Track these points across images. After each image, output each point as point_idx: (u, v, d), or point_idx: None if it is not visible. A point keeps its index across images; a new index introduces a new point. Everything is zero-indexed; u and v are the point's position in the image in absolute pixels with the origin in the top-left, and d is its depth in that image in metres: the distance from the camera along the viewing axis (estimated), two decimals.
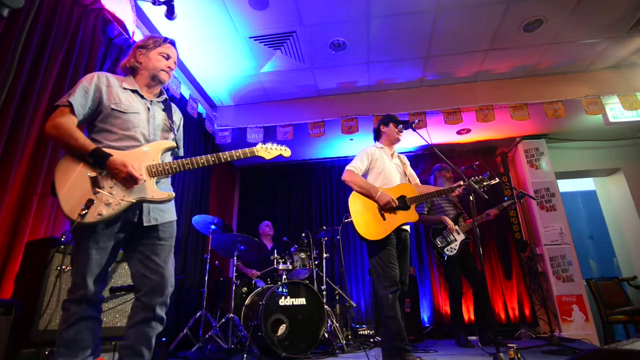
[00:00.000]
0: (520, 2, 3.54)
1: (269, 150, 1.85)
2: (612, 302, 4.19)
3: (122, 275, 2.40)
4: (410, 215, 2.54)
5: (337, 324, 3.57)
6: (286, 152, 1.92)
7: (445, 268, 3.92)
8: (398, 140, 2.85)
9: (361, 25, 3.80)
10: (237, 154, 1.72)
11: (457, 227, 3.83)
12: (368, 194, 2.54)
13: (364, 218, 2.49)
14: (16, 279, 2.07)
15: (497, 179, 2.65)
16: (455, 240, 3.79)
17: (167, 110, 1.80)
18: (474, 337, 3.79)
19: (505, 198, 4.13)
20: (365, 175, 2.73)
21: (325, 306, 3.35)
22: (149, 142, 1.64)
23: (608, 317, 4.11)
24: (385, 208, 2.50)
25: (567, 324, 4.44)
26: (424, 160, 5.73)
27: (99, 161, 1.46)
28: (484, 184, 2.59)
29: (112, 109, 1.58)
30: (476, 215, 2.40)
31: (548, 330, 3.98)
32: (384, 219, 2.48)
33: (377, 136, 2.93)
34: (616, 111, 4.53)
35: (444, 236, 3.83)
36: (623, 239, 5.48)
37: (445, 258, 3.77)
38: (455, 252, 3.75)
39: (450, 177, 4.11)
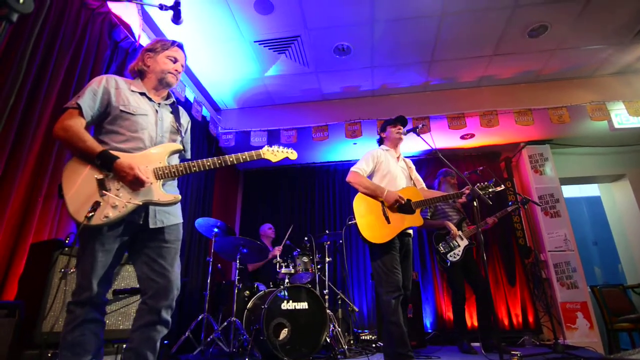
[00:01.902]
0: (524, 8, 3.54)
1: (275, 153, 1.83)
2: (616, 309, 4.15)
3: (126, 277, 2.40)
4: (415, 220, 2.53)
5: (340, 329, 3.56)
6: (292, 154, 1.88)
7: (448, 274, 3.89)
8: (400, 139, 2.84)
9: (365, 30, 3.81)
10: (244, 157, 1.71)
11: (460, 232, 3.81)
12: (374, 195, 2.53)
13: (368, 220, 2.48)
14: (20, 281, 2.07)
15: (502, 185, 2.65)
16: (459, 245, 3.76)
17: (175, 112, 1.81)
18: (476, 344, 3.76)
19: (510, 203, 4.12)
20: (370, 177, 2.71)
21: (328, 311, 3.34)
22: (156, 144, 1.64)
23: (613, 324, 4.07)
24: (392, 209, 2.49)
25: (571, 332, 4.40)
26: (427, 165, 5.72)
27: (106, 163, 1.47)
28: (490, 190, 2.58)
29: (121, 110, 1.59)
30: (480, 221, 2.40)
31: (552, 338, 3.94)
32: (389, 222, 2.47)
33: (381, 144, 2.95)
34: (621, 117, 4.51)
35: (447, 242, 3.80)
36: (628, 245, 5.44)
37: (448, 264, 3.74)
38: (458, 257, 3.72)
39: (454, 183, 4.11)
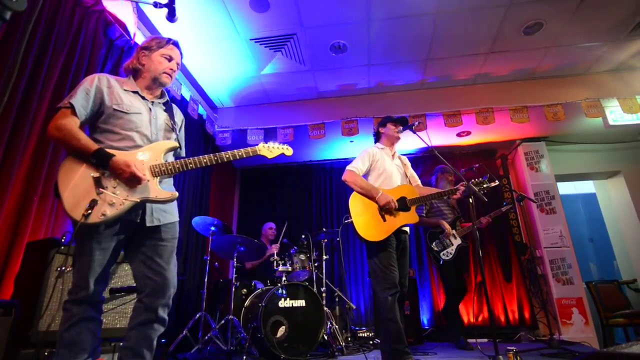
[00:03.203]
0: (520, 6, 3.55)
1: (271, 150, 1.84)
2: (611, 305, 4.19)
3: (122, 276, 2.40)
4: (410, 217, 2.54)
5: (337, 326, 3.57)
6: (288, 150, 1.90)
7: (441, 271, 3.97)
8: (398, 138, 2.85)
9: (362, 28, 3.81)
10: (240, 154, 1.71)
11: (454, 231, 3.86)
12: (369, 195, 2.54)
13: (364, 219, 2.49)
14: (16, 280, 2.07)
15: (497, 181, 2.66)
16: (452, 244, 3.82)
17: (169, 110, 1.81)
18: (473, 340, 3.80)
19: (504, 203, 4.14)
20: (366, 175, 2.72)
21: (325, 308, 3.35)
22: (151, 142, 1.64)
23: (608, 320, 4.10)
24: (385, 209, 2.50)
25: (566, 327, 4.43)
26: (423, 163, 5.73)
27: (102, 161, 1.47)
28: (484, 186, 2.59)
29: (114, 109, 1.59)
30: (476, 219, 2.42)
31: (548, 333, 3.98)
32: (384, 220, 2.48)
33: (377, 139, 2.94)
34: (616, 114, 4.54)
35: (440, 240, 3.86)
36: (623, 241, 5.48)
37: (441, 262, 3.81)
38: (450, 256, 3.79)
39: (451, 180, 4.14)
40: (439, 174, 4.20)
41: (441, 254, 3.80)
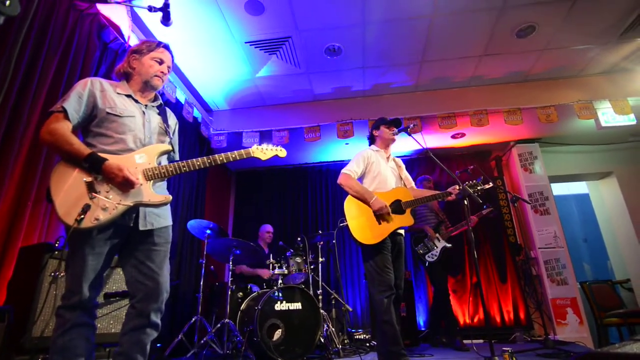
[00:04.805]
0: (513, 9, 3.58)
1: (264, 151, 1.84)
2: (605, 304, 4.23)
3: (117, 280, 2.39)
4: (405, 220, 2.55)
5: (333, 329, 3.57)
6: (282, 152, 1.90)
7: (430, 273, 4.09)
8: (393, 140, 2.85)
9: (356, 31, 3.82)
10: (233, 156, 1.71)
11: (437, 235, 3.98)
12: (363, 199, 2.54)
13: (359, 222, 2.49)
14: (9, 285, 2.05)
15: (490, 183, 2.68)
16: (436, 247, 3.95)
17: (162, 114, 1.80)
18: (468, 341, 3.81)
19: (484, 207, 4.16)
20: (361, 179, 2.72)
21: (321, 311, 3.35)
22: (145, 145, 1.63)
23: (602, 319, 4.14)
24: (379, 214, 2.50)
25: (561, 327, 4.46)
26: (419, 165, 5.75)
27: (94, 166, 1.46)
28: (478, 188, 2.61)
29: (107, 112, 1.58)
30: (471, 216, 2.45)
31: (543, 334, 4.00)
32: (380, 223, 2.48)
33: (372, 142, 2.94)
34: (608, 116, 4.58)
35: (424, 243, 4.00)
36: (616, 241, 5.53)
37: (427, 265, 3.95)
38: (435, 258, 3.92)
39: (431, 187, 4.29)
40: (417, 184, 4.30)
41: (426, 256, 3.95)
